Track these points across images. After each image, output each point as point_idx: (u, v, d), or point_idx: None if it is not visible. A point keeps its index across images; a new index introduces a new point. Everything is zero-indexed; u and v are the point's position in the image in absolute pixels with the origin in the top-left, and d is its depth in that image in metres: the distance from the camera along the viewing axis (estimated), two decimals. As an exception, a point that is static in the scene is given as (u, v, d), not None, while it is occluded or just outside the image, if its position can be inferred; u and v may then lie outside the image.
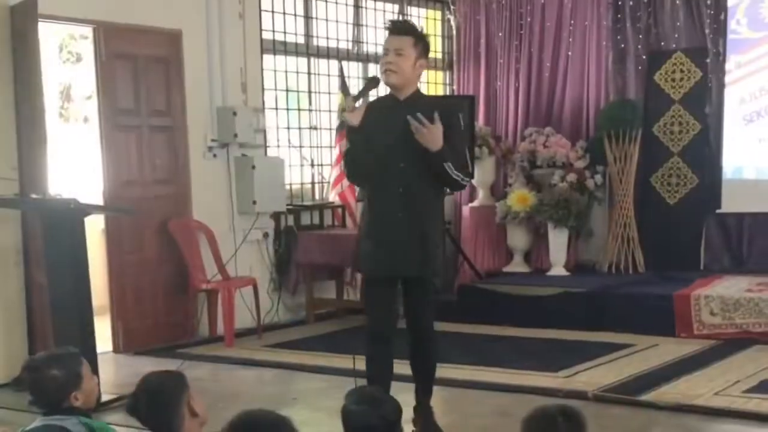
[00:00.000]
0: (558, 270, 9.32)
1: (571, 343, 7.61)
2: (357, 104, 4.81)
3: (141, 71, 7.57)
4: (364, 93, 4.93)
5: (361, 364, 4.92)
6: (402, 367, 5.10)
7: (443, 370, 6.56)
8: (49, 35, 8.19)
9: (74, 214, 5.70)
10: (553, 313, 8.27)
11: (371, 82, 4.96)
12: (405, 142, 4.69)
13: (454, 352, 7.31)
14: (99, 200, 7.42)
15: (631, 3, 9.45)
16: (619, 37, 9.54)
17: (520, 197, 9.46)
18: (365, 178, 4.92)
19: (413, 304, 4.97)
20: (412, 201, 4.76)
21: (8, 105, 6.48)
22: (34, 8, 6.28)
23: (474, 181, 9.95)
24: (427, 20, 10.45)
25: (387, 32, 4.89)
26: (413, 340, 5.04)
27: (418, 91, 4.92)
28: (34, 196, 6.16)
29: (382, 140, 4.75)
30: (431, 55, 10.07)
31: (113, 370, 6.91)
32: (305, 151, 9.07)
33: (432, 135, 4.64)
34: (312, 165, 9.15)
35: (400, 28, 4.88)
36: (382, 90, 5.05)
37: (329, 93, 9.14)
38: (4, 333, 6.46)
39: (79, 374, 3.37)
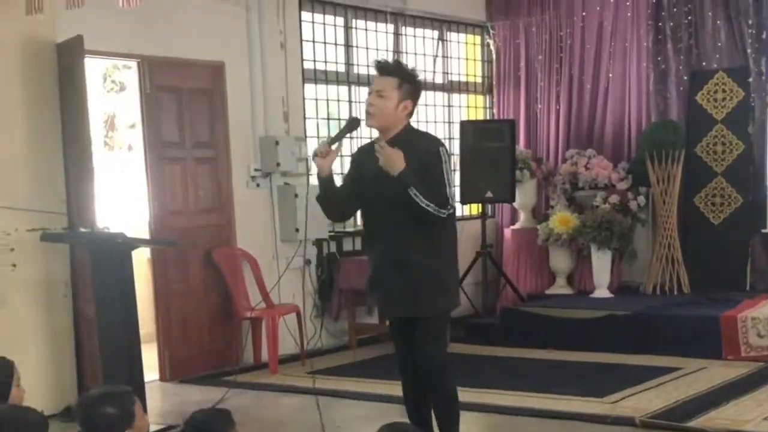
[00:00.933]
0: (602, 292, 9.28)
1: (616, 366, 7.57)
2: (333, 147, 4.64)
3: (185, 103, 7.70)
4: (340, 136, 4.76)
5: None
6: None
7: (487, 396, 6.64)
8: (93, 65, 8.35)
9: (122, 248, 5.78)
10: (598, 336, 8.23)
11: (351, 124, 4.79)
12: (390, 184, 4.54)
13: (497, 377, 7.34)
14: (144, 230, 7.56)
15: (671, 23, 9.43)
16: (660, 58, 9.51)
17: (562, 219, 9.45)
18: (342, 218, 4.92)
19: (415, 342, 4.77)
20: (402, 242, 4.63)
21: (56, 139, 6.61)
22: (80, 45, 6.39)
23: (515, 204, 9.99)
24: (466, 45, 10.51)
25: (375, 72, 4.73)
26: (421, 378, 4.86)
27: (405, 130, 4.70)
28: (82, 229, 6.27)
29: (370, 185, 4.66)
30: (471, 79, 10.34)
31: (160, 399, 7.00)
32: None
33: (389, 159, 4.49)
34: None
35: (384, 68, 4.72)
36: (366, 132, 4.96)
37: (367, 111, 9.18)
38: (54, 364, 6.56)
39: (131, 413, 3.43)
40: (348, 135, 4.90)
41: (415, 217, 4.57)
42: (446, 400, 4.84)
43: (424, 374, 4.77)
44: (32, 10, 5.86)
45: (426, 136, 4.94)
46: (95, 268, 5.91)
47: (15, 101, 6.43)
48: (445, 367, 4.80)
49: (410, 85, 4.69)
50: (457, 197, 8.71)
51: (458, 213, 9.30)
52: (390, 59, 5.00)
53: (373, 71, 4.79)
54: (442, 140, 4.96)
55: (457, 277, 5.08)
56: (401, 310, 4.78)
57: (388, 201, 4.61)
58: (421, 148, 4.65)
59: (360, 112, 9.22)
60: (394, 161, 4.50)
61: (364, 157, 4.77)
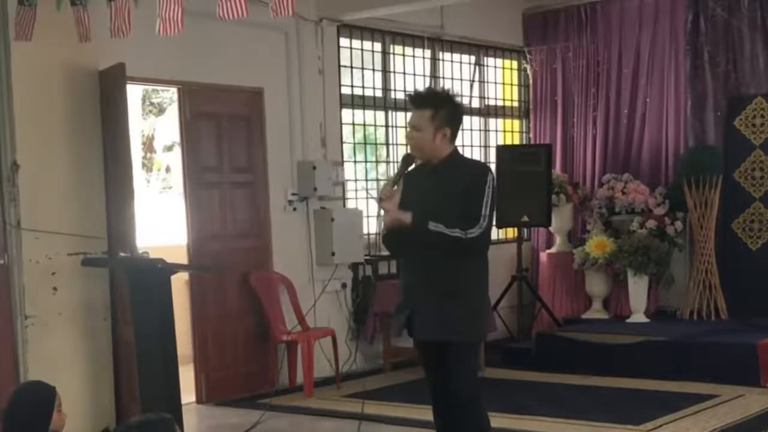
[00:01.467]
0: (638, 317, 9.25)
1: (652, 393, 7.53)
2: (395, 188, 4.69)
3: (224, 129, 7.81)
4: (399, 175, 4.80)
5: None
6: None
7: (522, 422, 6.63)
8: (133, 88, 8.49)
9: (161, 273, 5.87)
10: (634, 361, 8.21)
11: (405, 162, 4.84)
12: (433, 209, 4.56)
13: (532, 402, 7.33)
14: (183, 252, 7.65)
15: (709, 49, 9.42)
16: (697, 83, 9.50)
17: (598, 244, 9.44)
18: (401, 254, 4.97)
19: (443, 375, 4.74)
20: (432, 271, 4.64)
21: (98, 164, 6.72)
22: (122, 72, 6.51)
23: (551, 228, 9.99)
24: (503, 69, 10.56)
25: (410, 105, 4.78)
26: (442, 407, 4.85)
27: (450, 155, 4.73)
28: (122, 254, 6.38)
29: (414, 209, 4.64)
30: (508, 103, 10.37)
31: (196, 422, 7.09)
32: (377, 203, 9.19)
33: (394, 217, 4.55)
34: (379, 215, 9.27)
35: (416, 102, 4.76)
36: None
37: (407, 145, 9.24)
38: (93, 386, 6.64)
39: None
40: (405, 172, 4.86)
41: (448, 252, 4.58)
42: None
43: (448, 403, 4.74)
44: (82, 38, 5.98)
45: (474, 162, 4.98)
46: (135, 293, 6.01)
47: (58, 127, 6.55)
48: (474, 400, 4.76)
49: (445, 111, 4.70)
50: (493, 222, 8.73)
51: (494, 236, 9.34)
52: (423, 89, 5.02)
53: (407, 96, 4.85)
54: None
55: (487, 303, 5.04)
56: (428, 333, 4.72)
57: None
58: (468, 173, 4.70)
59: (397, 136, 9.35)
60: (401, 218, 4.54)
61: (409, 181, 4.80)
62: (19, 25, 6.07)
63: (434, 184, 4.68)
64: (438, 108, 4.68)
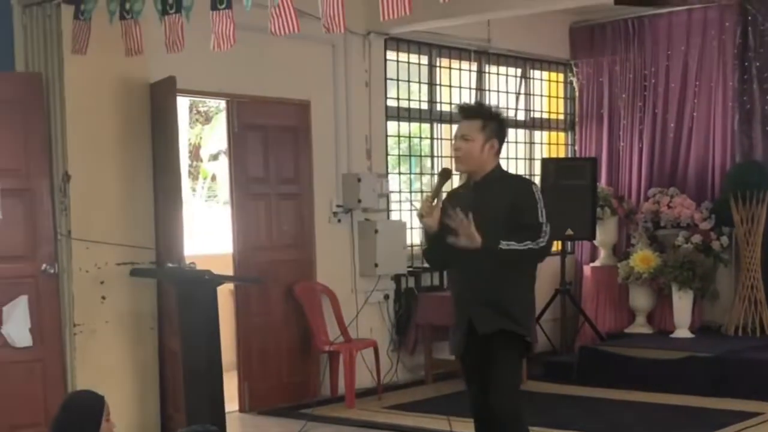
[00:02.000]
0: (682, 332, 9.19)
1: (696, 410, 7.50)
2: (434, 203, 4.71)
3: (271, 140, 7.89)
4: (438, 189, 4.83)
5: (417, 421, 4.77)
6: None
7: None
8: (181, 98, 8.61)
9: (208, 284, 5.97)
10: (677, 377, 8.17)
11: (443, 176, 4.88)
12: (478, 225, 4.56)
13: (574, 416, 7.33)
14: (228, 262, 7.74)
15: (757, 64, 9.34)
16: (745, 98, 9.41)
17: (643, 258, 9.40)
18: (442, 267, 5.00)
19: (485, 379, 4.77)
20: (483, 283, 4.69)
21: (147, 176, 6.83)
22: (172, 85, 6.61)
23: (596, 241, 9.96)
24: (549, 82, 10.54)
25: (459, 115, 4.83)
26: (484, 423, 4.87)
27: (494, 170, 4.78)
28: (170, 264, 6.48)
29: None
30: (553, 116, 10.37)
31: (239, 430, 7.16)
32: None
33: (465, 232, 4.52)
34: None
35: (467, 112, 4.82)
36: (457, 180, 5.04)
37: (451, 157, 9.28)
38: (138, 395, 6.75)
39: None
40: (443, 185, 4.92)
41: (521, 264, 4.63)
42: None
43: (492, 417, 4.75)
44: (132, 52, 6.09)
45: (517, 176, 5.01)
46: (181, 303, 6.11)
47: (109, 138, 6.67)
48: (517, 415, 4.76)
49: (494, 124, 4.77)
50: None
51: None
52: (472, 101, 5.07)
53: (456, 109, 4.89)
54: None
55: (533, 315, 5.07)
56: (487, 325, 4.70)
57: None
58: (513, 188, 4.75)
59: (441, 148, 9.39)
60: (472, 234, 4.53)
61: (453, 199, 4.85)
62: (74, 38, 6.22)
63: (479, 200, 4.71)
64: (488, 119, 4.77)
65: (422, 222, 4.73)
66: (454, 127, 9.12)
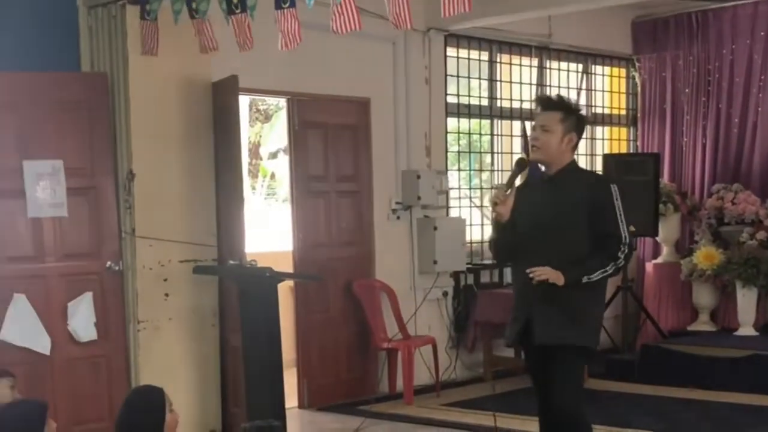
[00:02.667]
0: (746, 330, 9.06)
1: (760, 409, 7.41)
2: (507, 192, 4.71)
3: (331, 138, 7.93)
4: (512, 179, 4.81)
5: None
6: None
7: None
8: (241, 96, 8.68)
9: (269, 281, 6.01)
10: (741, 375, 8.06)
11: (518, 167, 4.87)
12: (551, 219, 4.61)
13: (636, 415, 7.28)
14: (288, 258, 7.81)
15: (825, 58, 9.18)
16: (811, 92, 9.27)
17: (706, 255, 9.28)
18: (509, 260, 5.02)
19: (551, 386, 4.73)
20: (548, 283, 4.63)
21: (210, 174, 6.90)
22: (235, 84, 6.67)
23: (658, 238, 9.85)
24: (611, 78, 10.45)
25: (536, 105, 4.85)
26: (548, 421, 4.87)
27: (570, 165, 4.77)
28: (231, 262, 6.55)
29: (529, 219, 4.70)
30: (615, 111, 10.26)
31: (298, 427, 7.23)
32: (487, 211, 9.21)
33: (550, 276, 4.52)
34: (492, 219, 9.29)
35: (547, 103, 4.82)
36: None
37: (511, 153, 9.28)
38: (200, 390, 6.83)
39: None
40: (519, 175, 4.92)
41: (566, 246, 4.61)
42: None
43: (555, 417, 4.76)
44: (206, 48, 6.16)
45: (593, 173, 4.98)
46: (243, 300, 6.16)
47: (173, 137, 6.75)
48: (580, 414, 4.76)
49: (573, 118, 4.76)
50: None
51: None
52: (554, 95, 5.08)
53: (516, 104, 4.90)
54: None
55: (601, 316, 5.00)
56: (546, 337, 4.70)
57: (540, 231, 4.68)
58: (589, 185, 4.72)
59: (501, 145, 9.35)
60: (555, 275, 4.53)
61: (525, 190, 4.84)
62: (144, 40, 6.32)
63: (551, 195, 4.71)
64: (568, 112, 4.76)
65: (495, 210, 4.73)
66: (515, 123, 9.13)
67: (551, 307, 4.66)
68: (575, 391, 4.74)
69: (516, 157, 8.89)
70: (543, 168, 4.88)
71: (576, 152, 4.85)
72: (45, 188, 6.39)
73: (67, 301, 6.44)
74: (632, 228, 8.79)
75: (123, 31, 6.49)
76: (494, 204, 4.71)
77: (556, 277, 4.53)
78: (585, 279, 4.57)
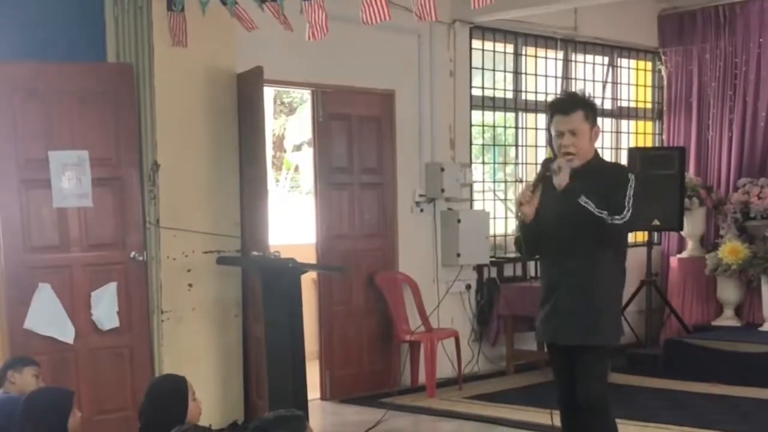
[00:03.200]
0: (772, 325, 9.02)
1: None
2: (533, 192, 4.71)
3: (355, 130, 7.92)
4: (538, 181, 4.78)
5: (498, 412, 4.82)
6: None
7: (649, 429, 6.57)
8: (266, 88, 8.69)
9: (292, 272, 6.01)
10: (766, 371, 7.98)
11: (546, 164, 4.81)
12: (572, 214, 4.60)
13: (659, 410, 7.25)
14: (311, 250, 7.81)
15: None
16: (838, 86, 9.17)
17: (732, 249, 9.22)
18: (535, 255, 5.04)
19: (575, 374, 4.77)
20: (573, 270, 4.69)
21: (234, 165, 6.92)
22: (260, 76, 6.67)
23: (683, 232, 9.79)
24: (637, 71, 10.38)
25: (553, 113, 4.74)
26: (571, 414, 4.89)
27: (594, 158, 4.77)
28: (255, 253, 6.56)
29: (551, 214, 4.70)
30: (641, 105, 10.20)
31: (320, 418, 7.22)
32: (510, 204, 9.19)
33: (564, 169, 4.60)
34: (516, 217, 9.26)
35: (567, 106, 4.75)
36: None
37: (536, 146, 9.25)
38: (222, 380, 6.86)
39: None
40: (544, 176, 4.84)
41: (588, 238, 4.61)
42: None
43: (584, 413, 4.77)
44: (249, 29, 6.09)
45: (617, 164, 4.97)
46: (266, 291, 6.18)
47: (197, 128, 6.76)
48: (604, 408, 4.77)
49: (592, 109, 4.77)
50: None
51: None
52: (563, 95, 5.03)
53: (541, 97, 4.89)
54: None
55: (621, 309, 5.04)
56: (568, 338, 4.77)
57: (562, 223, 4.67)
58: (612, 176, 4.72)
59: (526, 138, 9.31)
60: (562, 177, 4.60)
61: (549, 185, 4.80)
62: (172, 31, 6.33)
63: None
64: (587, 107, 4.75)
65: (520, 209, 4.74)
66: (540, 116, 9.05)
67: (573, 305, 4.70)
68: (599, 387, 4.76)
69: (542, 155, 9.02)
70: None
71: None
72: (70, 178, 6.42)
73: (92, 291, 6.48)
74: (657, 222, 8.98)
75: (149, 22, 6.51)
76: (520, 204, 4.73)
77: (564, 179, 4.57)
78: (583, 201, 4.53)
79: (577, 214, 4.59)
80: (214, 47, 6.58)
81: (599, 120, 9.54)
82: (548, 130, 8.99)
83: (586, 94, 4.94)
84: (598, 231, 4.58)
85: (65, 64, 6.48)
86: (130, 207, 6.62)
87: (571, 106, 4.74)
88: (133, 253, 6.60)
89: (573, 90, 8.12)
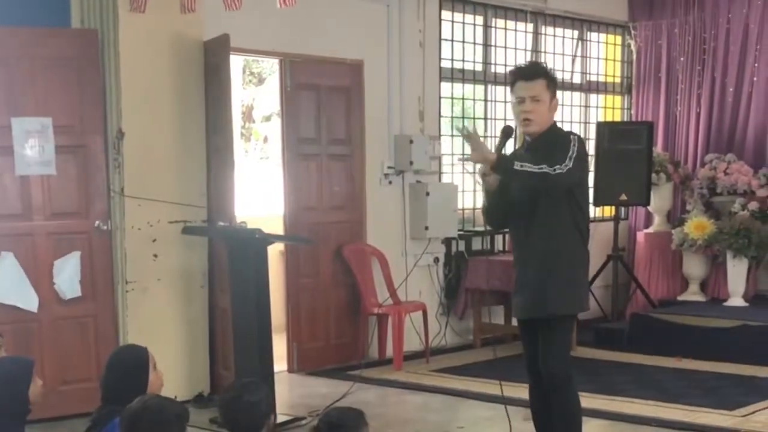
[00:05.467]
0: (736, 300, 9.05)
1: (748, 378, 7.41)
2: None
3: (323, 101, 7.85)
4: (500, 148, 4.78)
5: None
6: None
7: (614, 403, 6.60)
8: (234, 57, 8.58)
9: (259, 243, 5.96)
10: (730, 346, 8.06)
11: (505, 135, 4.82)
12: (533, 192, 4.66)
13: (624, 384, 7.29)
14: (279, 222, 7.76)
15: (821, 27, 9.12)
16: (807, 62, 9.21)
17: (698, 225, 9.26)
18: (501, 227, 5.08)
19: (539, 349, 4.80)
20: (531, 243, 4.74)
21: (200, 135, 6.83)
22: (226, 43, 6.59)
23: (650, 207, 9.83)
24: (606, 45, 10.38)
25: (516, 78, 4.75)
26: (536, 385, 4.93)
27: (551, 128, 4.79)
28: (221, 223, 6.49)
29: (515, 188, 4.75)
30: (610, 79, 10.20)
31: (287, 390, 7.20)
32: (478, 177, 9.15)
33: (476, 147, 4.61)
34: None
35: (531, 73, 4.78)
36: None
37: (505, 119, 9.22)
38: (188, 351, 6.80)
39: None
40: (505, 144, 4.86)
41: (545, 211, 4.65)
42: (568, 414, 4.83)
43: (546, 385, 4.81)
44: (185, 9, 6.09)
45: (567, 132, 4.96)
46: (232, 262, 6.13)
47: (163, 96, 6.67)
48: (567, 380, 4.79)
49: (552, 82, 4.79)
50: (591, 198, 8.62)
51: (591, 214, 9.22)
52: (527, 63, 5.03)
53: (514, 71, 4.85)
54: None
55: (585, 279, 5.04)
56: (524, 311, 4.86)
57: (527, 198, 4.70)
58: (560, 139, 4.72)
59: (495, 111, 9.28)
60: (483, 149, 4.62)
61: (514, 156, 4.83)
62: (133, -4, 6.22)
63: (533, 159, 4.64)
64: (549, 77, 4.77)
65: (484, 180, 4.75)
66: (509, 89, 9.02)
67: (528, 278, 4.77)
68: (561, 357, 4.79)
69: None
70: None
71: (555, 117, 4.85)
72: (33, 146, 6.33)
73: (55, 260, 6.39)
74: (624, 197, 9.00)
75: (114, -11, 6.40)
76: (483, 175, 4.72)
77: (487, 155, 4.58)
78: (518, 166, 4.52)
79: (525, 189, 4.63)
80: (180, 14, 6.46)
81: (569, 93, 9.81)
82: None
83: (548, 66, 4.96)
84: (545, 186, 4.59)
85: (28, 29, 6.35)
86: (94, 175, 6.52)
87: (534, 73, 4.77)
88: (97, 222, 6.50)
89: (539, 61, 8.10)
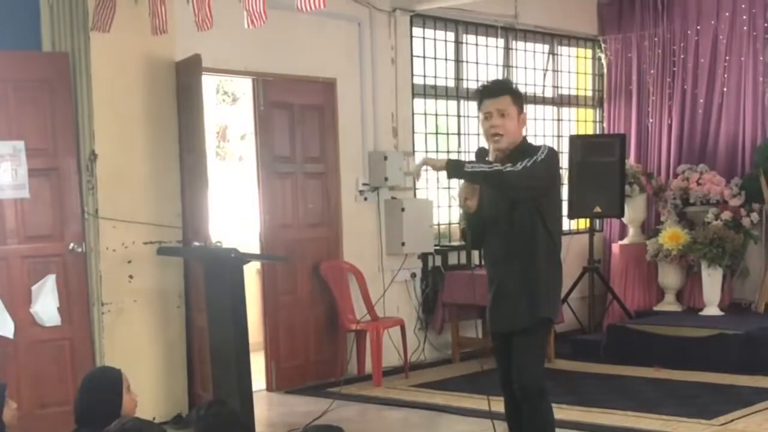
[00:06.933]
0: (712, 310, 9.11)
1: (725, 387, 7.45)
2: (475, 186, 4.71)
3: (297, 119, 7.87)
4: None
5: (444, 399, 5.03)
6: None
7: (592, 415, 6.61)
8: (207, 77, 8.59)
9: (234, 262, 5.95)
10: (707, 355, 8.10)
11: (480, 154, 4.85)
12: (505, 206, 4.71)
13: (602, 395, 7.31)
14: (255, 241, 7.76)
15: (789, 38, 9.23)
16: (776, 73, 9.31)
17: (672, 235, 9.33)
18: (479, 246, 5.08)
19: (512, 362, 4.82)
20: (510, 260, 4.75)
21: (174, 155, 6.83)
22: (198, 63, 6.60)
23: (624, 219, 9.89)
24: (577, 59, 10.47)
25: (482, 97, 4.79)
26: (510, 398, 4.94)
27: (522, 143, 4.80)
28: (196, 243, 6.49)
29: (489, 203, 4.77)
30: (581, 92, 10.29)
31: (266, 409, 7.19)
32: (454, 192, 9.19)
33: (429, 163, 4.72)
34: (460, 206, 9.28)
35: (496, 90, 4.80)
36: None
37: (478, 135, 9.25)
38: (166, 372, 6.78)
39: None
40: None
41: (518, 228, 4.68)
42: (539, 428, 4.83)
43: (519, 398, 4.82)
44: (157, 30, 6.10)
45: (540, 145, 4.98)
46: (208, 281, 6.12)
47: (136, 117, 6.67)
48: (540, 393, 4.80)
49: (518, 96, 4.83)
50: (565, 211, 8.68)
51: (566, 227, 9.31)
52: (491, 80, 5.09)
53: (480, 89, 4.89)
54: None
55: (557, 291, 5.00)
56: (501, 325, 4.88)
57: (500, 215, 4.74)
58: (531, 151, 4.73)
59: (468, 126, 9.32)
60: (434, 162, 4.68)
61: None
62: (97, 15, 6.22)
63: None
64: (513, 92, 4.81)
65: (465, 204, 4.75)
66: (485, 104, 9.03)
67: (500, 293, 4.81)
68: (535, 370, 4.80)
69: (484, 143, 9.00)
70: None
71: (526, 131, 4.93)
72: (6, 169, 6.31)
73: (30, 283, 6.37)
74: (598, 209, 9.05)
75: (84, 10, 6.41)
76: (465, 199, 4.73)
77: (436, 165, 4.63)
78: (469, 167, 4.57)
79: (509, 202, 4.65)
80: (152, 35, 6.47)
81: (541, 107, 9.87)
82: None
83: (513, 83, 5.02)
84: (501, 184, 4.60)
85: (-1, 52, 6.35)
86: (68, 198, 6.50)
87: (499, 90, 4.81)
88: (71, 245, 6.48)
89: (504, 77, 8.20)
